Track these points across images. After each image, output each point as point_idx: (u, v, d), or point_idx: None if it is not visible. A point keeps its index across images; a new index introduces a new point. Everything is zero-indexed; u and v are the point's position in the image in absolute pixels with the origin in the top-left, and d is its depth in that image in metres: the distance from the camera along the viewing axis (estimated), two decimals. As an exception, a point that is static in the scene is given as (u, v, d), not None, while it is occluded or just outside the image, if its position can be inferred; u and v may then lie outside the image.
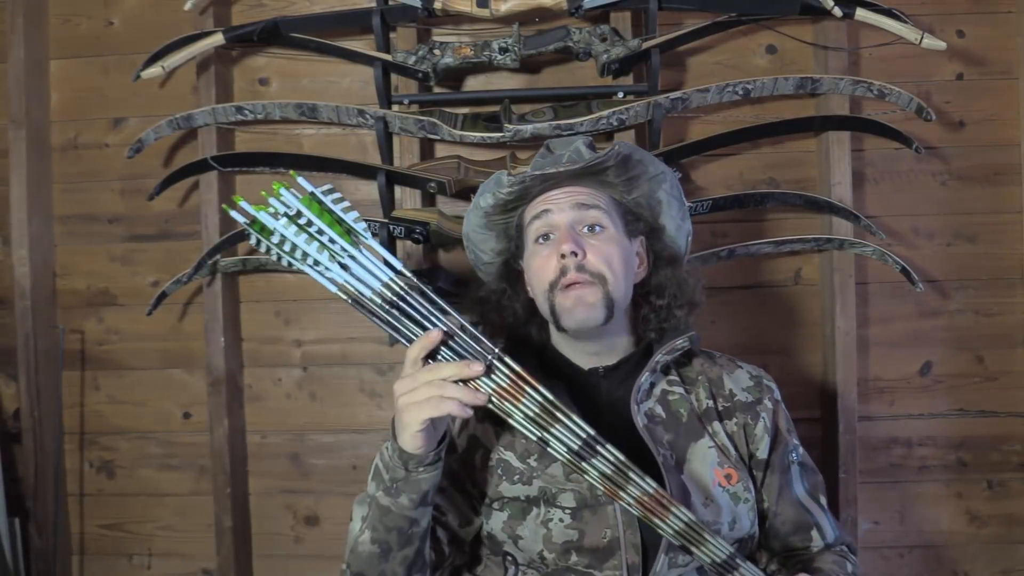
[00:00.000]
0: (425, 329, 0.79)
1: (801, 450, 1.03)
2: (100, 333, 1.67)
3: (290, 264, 0.79)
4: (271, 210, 0.78)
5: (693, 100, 1.45)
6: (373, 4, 1.48)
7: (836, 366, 1.50)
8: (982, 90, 1.56)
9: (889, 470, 1.58)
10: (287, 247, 0.78)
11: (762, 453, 0.99)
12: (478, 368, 0.77)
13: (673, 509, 0.82)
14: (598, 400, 0.98)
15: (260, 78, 1.63)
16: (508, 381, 0.80)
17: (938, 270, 1.57)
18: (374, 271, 0.79)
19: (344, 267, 0.79)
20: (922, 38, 1.37)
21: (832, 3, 1.39)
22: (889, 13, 1.41)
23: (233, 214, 0.78)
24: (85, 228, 1.67)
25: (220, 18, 1.57)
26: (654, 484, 0.82)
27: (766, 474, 0.99)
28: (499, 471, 0.94)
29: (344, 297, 0.79)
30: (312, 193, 0.80)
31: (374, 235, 1.48)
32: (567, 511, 0.89)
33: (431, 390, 0.76)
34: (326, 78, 1.62)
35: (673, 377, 1.01)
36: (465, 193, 1.54)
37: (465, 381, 0.78)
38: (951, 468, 1.58)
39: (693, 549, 0.83)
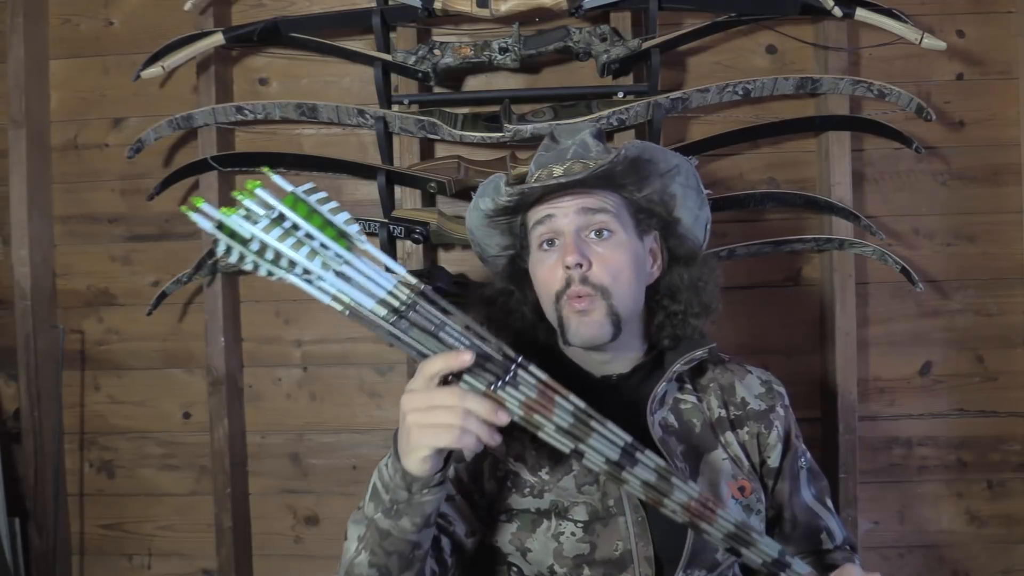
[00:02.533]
0: (439, 339, 0.70)
1: (808, 455, 1.03)
2: (100, 333, 1.67)
3: (270, 274, 0.68)
4: (243, 213, 0.68)
5: (693, 100, 1.45)
6: (373, 4, 1.48)
7: (836, 366, 1.50)
8: (982, 90, 1.56)
9: (889, 470, 1.58)
10: (268, 255, 0.68)
11: (774, 461, 0.98)
12: (504, 418, 0.69)
13: (720, 512, 0.78)
14: (609, 409, 0.93)
15: (260, 78, 1.63)
16: (536, 392, 0.72)
17: (938, 270, 1.57)
18: (375, 278, 0.70)
19: (340, 275, 0.69)
20: (922, 38, 1.38)
21: (832, 3, 1.39)
22: (889, 13, 1.41)
23: (194, 217, 0.66)
24: (85, 228, 1.67)
25: (220, 18, 1.57)
26: (698, 488, 0.77)
27: (777, 481, 0.99)
28: (508, 483, 0.92)
29: (339, 308, 0.70)
30: (293, 193, 0.69)
31: (373, 235, 1.49)
32: (579, 524, 0.88)
33: (451, 417, 0.68)
34: (326, 78, 1.62)
35: (686, 385, 0.99)
36: (465, 193, 1.54)
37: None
38: (951, 468, 1.58)
39: (744, 551, 0.79)
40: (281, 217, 0.68)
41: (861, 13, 1.41)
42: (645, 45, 1.42)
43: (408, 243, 1.51)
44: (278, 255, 0.67)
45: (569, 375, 0.95)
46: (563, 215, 0.91)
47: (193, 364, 1.65)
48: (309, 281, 0.69)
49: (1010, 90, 1.55)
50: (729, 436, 0.97)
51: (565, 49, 1.45)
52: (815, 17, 1.48)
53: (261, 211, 0.68)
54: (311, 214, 0.69)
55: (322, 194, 0.70)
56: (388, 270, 0.71)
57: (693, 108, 1.48)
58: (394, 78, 1.54)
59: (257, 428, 1.65)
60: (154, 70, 1.49)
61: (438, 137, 1.47)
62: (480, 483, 0.93)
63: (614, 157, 0.88)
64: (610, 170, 0.89)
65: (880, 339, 1.57)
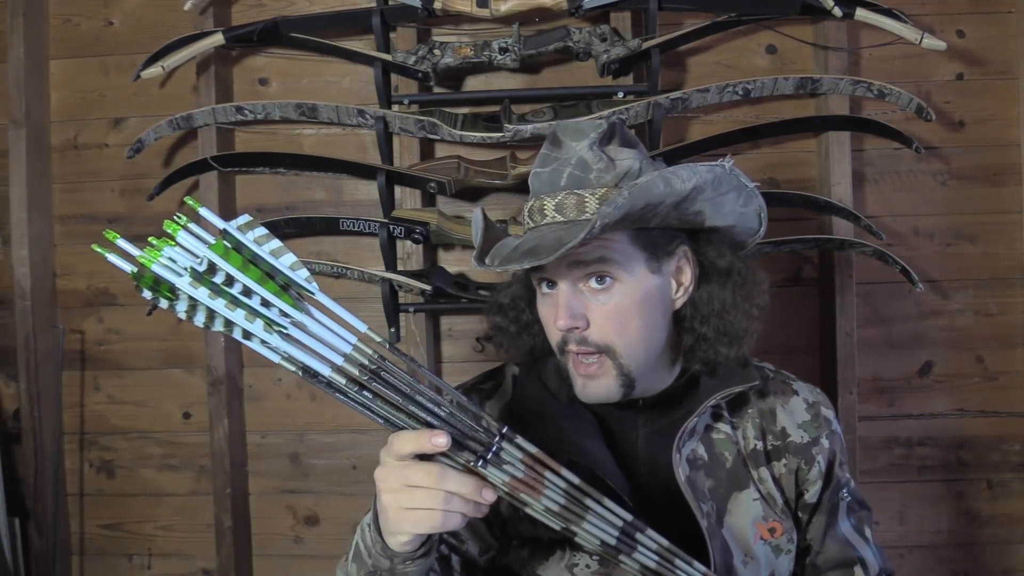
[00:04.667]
0: (410, 412, 0.63)
1: (852, 484, 0.95)
2: (100, 333, 1.67)
3: (207, 327, 0.58)
4: (167, 259, 0.56)
5: (693, 100, 1.45)
6: (373, 4, 1.48)
7: (836, 366, 1.50)
8: (982, 90, 1.56)
9: (889, 470, 1.58)
10: (200, 315, 0.57)
11: (811, 497, 0.91)
12: (491, 496, 0.64)
13: None
14: (634, 434, 0.88)
15: (260, 78, 1.63)
16: (523, 469, 0.65)
17: (938, 270, 1.57)
18: (330, 340, 0.60)
19: (287, 337, 0.59)
20: (922, 38, 1.38)
21: (832, 3, 1.39)
22: (889, 13, 1.41)
23: (111, 258, 0.55)
24: (85, 228, 1.66)
25: (220, 18, 1.57)
26: (703, 569, 0.72)
27: (813, 515, 0.93)
28: (520, 511, 0.87)
29: (292, 369, 0.60)
30: (225, 232, 0.57)
31: (374, 235, 1.49)
32: (595, 557, 0.82)
33: (432, 500, 0.62)
34: (326, 78, 1.62)
35: (722, 413, 0.90)
36: (465, 193, 1.54)
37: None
38: (951, 468, 1.58)
39: None
40: (212, 267, 0.56)
41: (861, 13, 1.40)
42: (645, 45, 1.42)
43: (408, 243, 1.52)
44: (212, 313, 0.57)
45: None
46: (554, 268, 0.79)
47: (193, 364, 1.65)
48: (253, 343, 0.58)
49: (1010, 90, 1.55)
50: (764, 472, 0.89)
51: (565, 49, 1.45)
52: (815, 17, 1.48)
53: (187, 261, 0.56)
54: (247, 264, 0.57)
55: (260, 230, 0.59)
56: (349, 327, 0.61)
57: (693, 108, 1.48)
58: (394, 78, 1.54)
59: (257, 428, 1.65)
60: (154, 70, 1.49)
61: (438, 137, 1.47)
62: (497, 504, 0.88)
63: (586, 232, 0.72)
64: (593, 234, 0.73)
65: (880, 339, 1.57)
